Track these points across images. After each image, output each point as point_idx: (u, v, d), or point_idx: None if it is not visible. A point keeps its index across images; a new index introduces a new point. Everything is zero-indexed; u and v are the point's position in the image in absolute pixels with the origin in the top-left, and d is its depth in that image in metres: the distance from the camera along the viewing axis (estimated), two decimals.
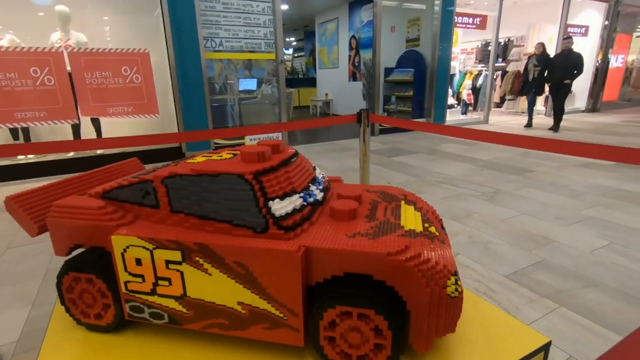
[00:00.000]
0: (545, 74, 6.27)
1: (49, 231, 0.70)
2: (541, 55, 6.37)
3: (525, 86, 6.80)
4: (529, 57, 6.75)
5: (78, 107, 3.68)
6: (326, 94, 9.99)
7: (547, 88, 6.54)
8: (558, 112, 6.25)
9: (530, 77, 6.54)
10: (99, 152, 4.07)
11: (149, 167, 0.90)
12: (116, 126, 4.26)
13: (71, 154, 3.95)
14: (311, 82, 11.75)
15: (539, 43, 6.55)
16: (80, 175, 0.85)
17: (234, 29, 4.37)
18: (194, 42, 4.13)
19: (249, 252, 0.57)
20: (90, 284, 0.67)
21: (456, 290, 0.57)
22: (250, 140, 4.86)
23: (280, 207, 0.62)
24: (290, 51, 14.81)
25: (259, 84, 5.08)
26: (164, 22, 3.97)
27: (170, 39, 4.02)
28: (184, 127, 4.34)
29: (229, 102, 4.90)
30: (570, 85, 6.13)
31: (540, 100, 8.51)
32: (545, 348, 0.67)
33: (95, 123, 4.07)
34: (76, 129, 3.93)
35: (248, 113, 5.12)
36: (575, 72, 5.97)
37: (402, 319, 0.56)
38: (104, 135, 4.13)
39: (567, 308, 1.51)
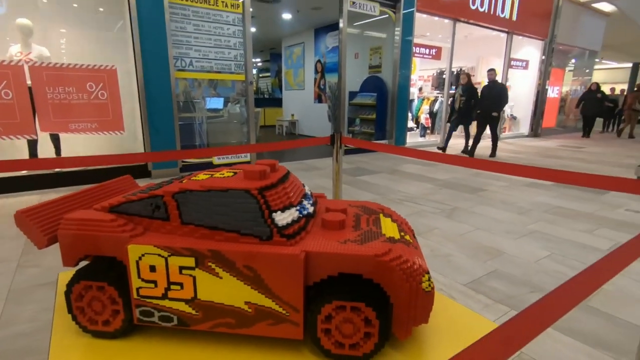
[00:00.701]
0: (472, 103, 6.40)
1: (59, 243, 0.74)
2: (466, 86, 6.45)
3: (452, 114, 6.88)
4: (456, 87, 6.86)
5: (37, 123, 3.54)
6: (292, 115, 10.20)
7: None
8: (494, 141, 6.57)
9: (457, 106, 6.60)
10: (57, 169, 3.90)
11: (140, 184, 0.96)
12: (78, 142, 4.10)
13: (24, 172, 3.75)
14: (277, 102, 11.95)
15: (464, 73, 6.66)
16: (81, 191, 0.90)
17: (205, 50, 4.45)
18: (163, 61, 4.14)
19: (258, 256, 0.66)
20: (101, 291, 0.72)
21: (429, 286, 0.70)
22: (218, 159, 4.86)
23: (282, 218, 0.72)
24: (255, 71, 15.00)
25: (225, 103, 5.14)
26: (133, 41, 3.96)
27: (140, 57, 4.01)
28: (150, 145, 4.28)
29: (196, 120, 4.90)
30: (498, 116, 6.33)
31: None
32: None
33: (55, 139, 3.91)
34: (33, 145, 3.75)
35: (215, 132, 5.14)
36: (499, 103, 6.18)
37: (387, 310, 0.67)
38: (63, 152, 3.96)
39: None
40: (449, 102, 7.18)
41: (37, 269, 2.02)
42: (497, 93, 6.21)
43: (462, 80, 6.56)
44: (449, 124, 7.02)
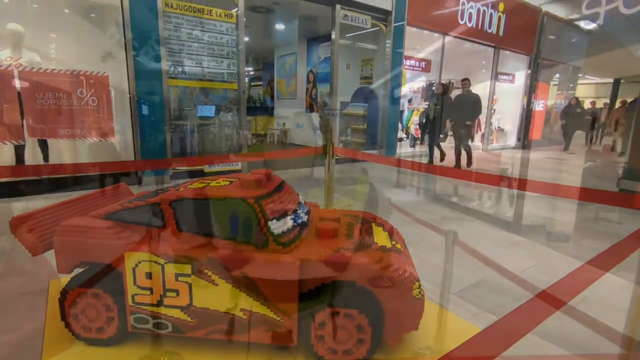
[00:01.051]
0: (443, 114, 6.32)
1: (55, 249, 0.74)
2: (441, 95, 6.41)
3: (426, 125, 6.76)
4: (431, 97, 6.76)
5: (25, 128, 3.49)
6: (284, 123, 10.24)
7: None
8: (467, 150, 6.41)
9: (432, 116, 6.46)
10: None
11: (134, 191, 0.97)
12: (67, 148, 4.05)
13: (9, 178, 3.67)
14: (268, 110, 11.97)
15: (438, 83, 6.60)
16: (76, 198, 0.90)
17: (198, 58, 4.47)
18: (156, 68, 4.15)
19: (254, 263, 0.68)
20: (96, 298, 0.73)
21: (419, 293, 0.72)
22: (208, 168, 4.84)
23: (277, 226, 0.73)
24: (247, 80, 15.04)
25: (217, 111, 5.14)
26: (125, 47, 3.96)
27: (132, 63, 4.01)
28: (141, 151, 4.26)
29: (188, 127, 4.89)
30: (471, 126, 6.26)
31: (478, 137, 9.42)
32: None
33: (43, 145, 3.85)
34: (20, 150, 3.69)
35: (206, 140, 5.13)
36: (473, 112, 6.13)
37: (379, 317, 0.69)
38: (51, 158, 3.90)
39: None
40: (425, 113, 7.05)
41: (22, 277, 1.98)
42: (469, 103, 6.14)
43: (437, 90, 6.48)
44: (427, 136, 6.95)
